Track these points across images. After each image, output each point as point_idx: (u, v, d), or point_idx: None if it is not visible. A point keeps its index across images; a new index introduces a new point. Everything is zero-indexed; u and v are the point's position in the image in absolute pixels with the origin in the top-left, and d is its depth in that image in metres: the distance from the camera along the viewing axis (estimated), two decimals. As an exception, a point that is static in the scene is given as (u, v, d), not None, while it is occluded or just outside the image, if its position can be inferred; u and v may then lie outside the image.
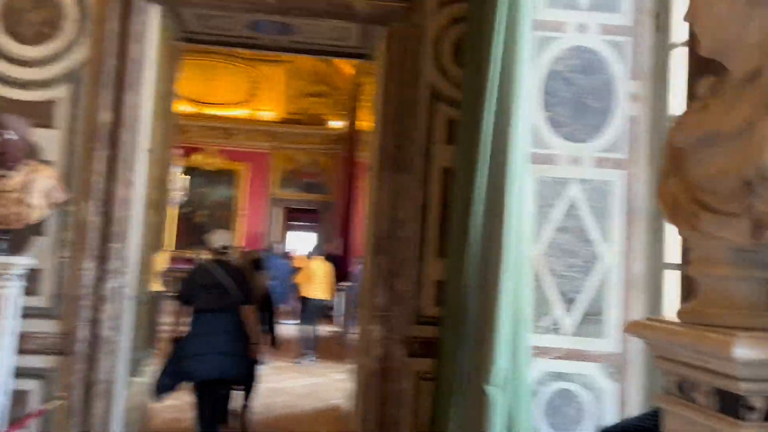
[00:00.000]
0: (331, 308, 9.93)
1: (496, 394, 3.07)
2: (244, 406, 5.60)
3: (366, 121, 13.28)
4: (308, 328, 8.83)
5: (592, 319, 3.38)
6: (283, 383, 7.03)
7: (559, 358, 3.45)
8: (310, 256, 9.45)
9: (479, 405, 3.03)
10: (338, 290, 11.30)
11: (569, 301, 3.47)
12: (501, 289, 3.08)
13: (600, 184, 3.36)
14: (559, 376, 3.44)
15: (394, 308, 3.79)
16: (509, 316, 3.14)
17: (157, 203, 4.23)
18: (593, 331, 3.39)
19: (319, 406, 6.11)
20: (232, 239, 5.07)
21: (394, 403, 3.77)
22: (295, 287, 8.76)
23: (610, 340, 3.33)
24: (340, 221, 14.46)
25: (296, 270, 9.27)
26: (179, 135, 14.49)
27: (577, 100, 3.43)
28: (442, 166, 3.89)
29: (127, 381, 3.87)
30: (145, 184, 3.92)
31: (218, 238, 4.99)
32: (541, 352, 3.41)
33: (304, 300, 8.80)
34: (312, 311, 8.82)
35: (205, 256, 6.14)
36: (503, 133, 3.29)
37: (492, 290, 3.10)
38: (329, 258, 12.35)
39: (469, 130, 3.49)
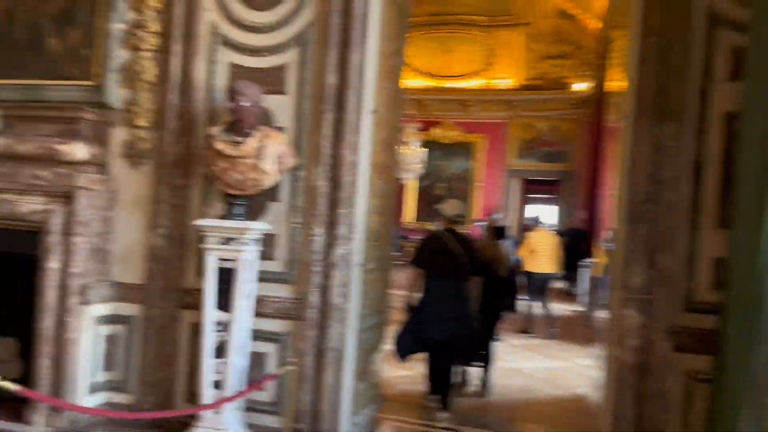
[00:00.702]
0: (554, 281, 9.10)
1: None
2: (483, 384, 5.32)
3: (616, 81, 11.92)
4: (535, 304, 8.31)
5: None
6: (521, 363, 6.56)
7: None
8: (533, 227, 8.80)
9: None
10: (581, 266, 10.41)
11: None
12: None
13: None
14: None
15: (656, 290, 3.08)
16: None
17: (384, 168, 4.03)
18: None
19: (561, 393, 5.52)
20: (464, 208, 5.03)
21: (655, 405, 3.08)
22: (519, 261, 8.19)
23: None
24: (584, 192, 13.35)
25: (520, 242, 8.71)
26: (419, 110, 14.77)
27: None
28: (723, 111, 3.02)
29: (357, 349, 3.76)
30: (371, 147, 3.73)
31: (451, 207, 5.02)
32: None
33: (529, 274, 8.21)
34: (537, 286, 8.23)
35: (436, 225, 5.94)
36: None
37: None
38: (572, 232, 11.48)
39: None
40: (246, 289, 3.46)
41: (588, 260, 10.02)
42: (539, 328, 8.19)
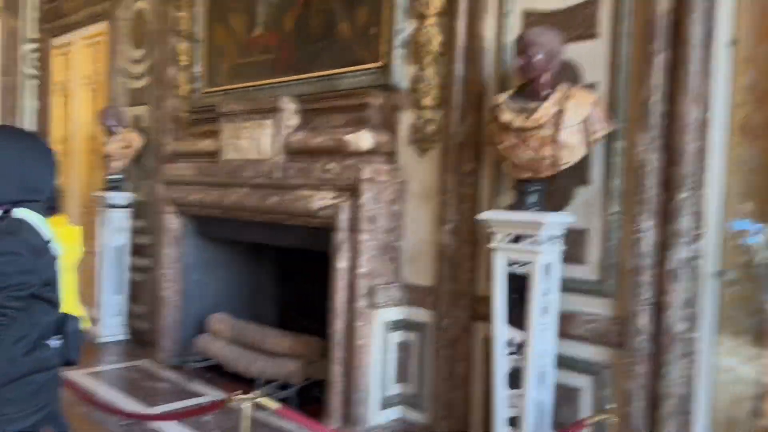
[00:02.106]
0: None
1: None
2: None
3: None
4: None
5: None
6: None
7: None
8: None
9: None
10: None
11: None
12: None
13: None
14: None
15: None
16: None
17: (756, 130, 2.69)
18: None
19: None
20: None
21: None
22: None
23: None
24: None
25: None
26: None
27: None
28: None
29: (714, 397, 2.57)
30: (730, 99, 2.49)
31: None
32: None
33: None
34: None
35: None
36: None
37: None
38: None
39: None
40: (544, 302, 2.62)
41: None
42: None
